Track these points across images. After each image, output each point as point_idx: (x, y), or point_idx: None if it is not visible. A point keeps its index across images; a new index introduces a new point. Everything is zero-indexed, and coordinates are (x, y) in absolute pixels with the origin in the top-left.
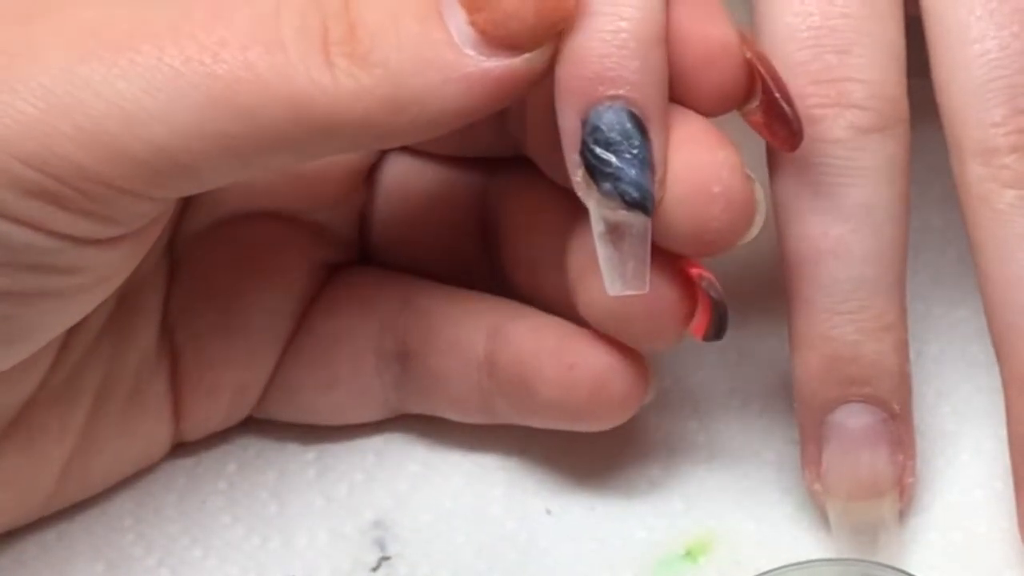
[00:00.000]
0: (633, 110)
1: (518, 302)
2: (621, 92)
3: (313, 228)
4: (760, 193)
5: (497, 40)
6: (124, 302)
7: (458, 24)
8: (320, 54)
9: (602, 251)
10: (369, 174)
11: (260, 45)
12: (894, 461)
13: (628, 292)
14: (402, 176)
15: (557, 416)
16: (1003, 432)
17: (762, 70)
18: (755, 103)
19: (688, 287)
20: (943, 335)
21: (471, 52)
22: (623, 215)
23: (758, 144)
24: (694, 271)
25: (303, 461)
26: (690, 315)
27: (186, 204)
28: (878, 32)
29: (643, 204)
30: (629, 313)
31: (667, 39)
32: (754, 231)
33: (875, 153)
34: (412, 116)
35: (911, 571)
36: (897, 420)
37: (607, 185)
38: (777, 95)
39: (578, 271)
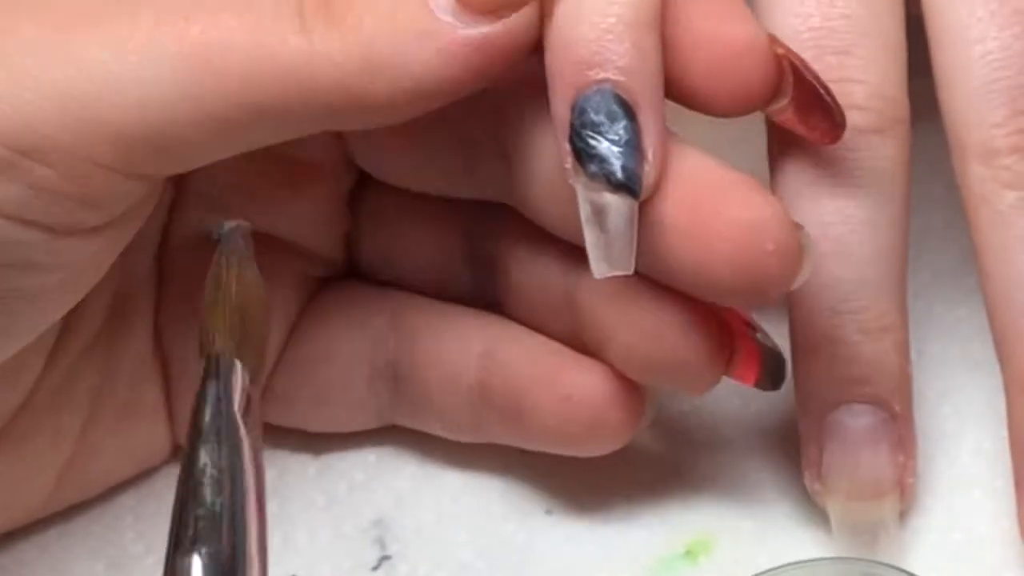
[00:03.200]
0: (620, 93)
1: (509, 320)
2: (608, 75)
3: (298, 248)
4: (807, 237)
5: (475, 6)
6: (116, 309)
7: None
8: (295, 17)
9: (588, 235)
10: (352, 200)
11: (235, 10)
12: (895, 461)
13: (614, 273)
14: (386, 202)
15: (552, 443)
16: (1004, 432)
17: (797, 64)
18: (784, 101)
19: (725, 335)
20: (944, 335)
21: (448, 18)
22: (609, 198)
23: (756, 143)
24: (737, 319)
25: (303, 460)
26: (726, 361)
27: (173, 209)
28: (878, 33)
29: (629, 186)
30: (666, 363)
31: (693, 39)
32: (804, 276)
33: (876, 154)
34: (388, 82)
35: (911, 571)
36: (898, 420)
37: (592, 167)
38: (819, 88)
39: (609, 322)
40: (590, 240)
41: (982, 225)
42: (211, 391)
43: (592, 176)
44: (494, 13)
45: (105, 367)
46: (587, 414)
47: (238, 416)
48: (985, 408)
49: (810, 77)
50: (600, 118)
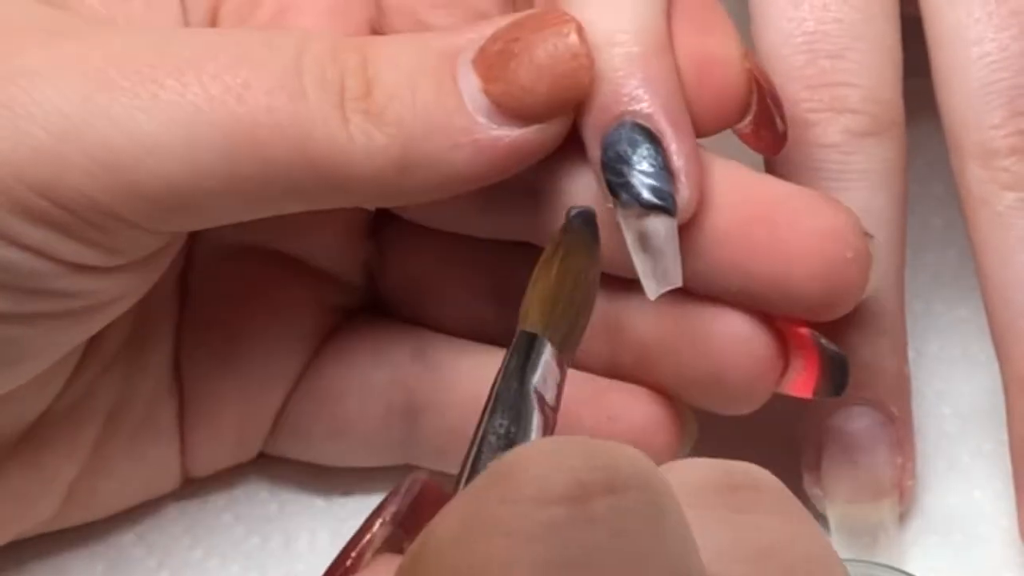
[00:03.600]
0: (639, 122)
1: None
2: (627, 108)
3: (319, 273)
4: (874, 243)
5: (510, 111)
6: (139, 328)
7: (472, 91)
8: (337, 108)
9: (637, 262)
10: (375, 229)
11: (283, 92)
12: (893, 464)
13: (664, 289)
14: (408, 233)
15: None
16: (1003, 433)
17: (759, 79)
18: (749, 118)
19: (780, 345)
20: (943, 335)
21: (483, 120)
22: (647, 222)
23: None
24: (792, 329)
25: (304, 462)
26: (781, 372)
27: (197, 234)
28: (872, 36)
29: (662, 205)
30: (719, 378)
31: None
32: (874, 283)
33: (870, 156)
34: (420, 177)
35: (911, 572)
36: (896, 422)
37: (624, 195)
38: (769, 101)
39: (659, 341)
40: (639, 266)
41: (981, 226)
42: (513, 364)
43: (626, 204)
44: (530, 120)
45: (125, 384)
46: (631, 437)
47: (532, 394)
48: (984, 409)
49: (767, 91)
50: (624, 148)
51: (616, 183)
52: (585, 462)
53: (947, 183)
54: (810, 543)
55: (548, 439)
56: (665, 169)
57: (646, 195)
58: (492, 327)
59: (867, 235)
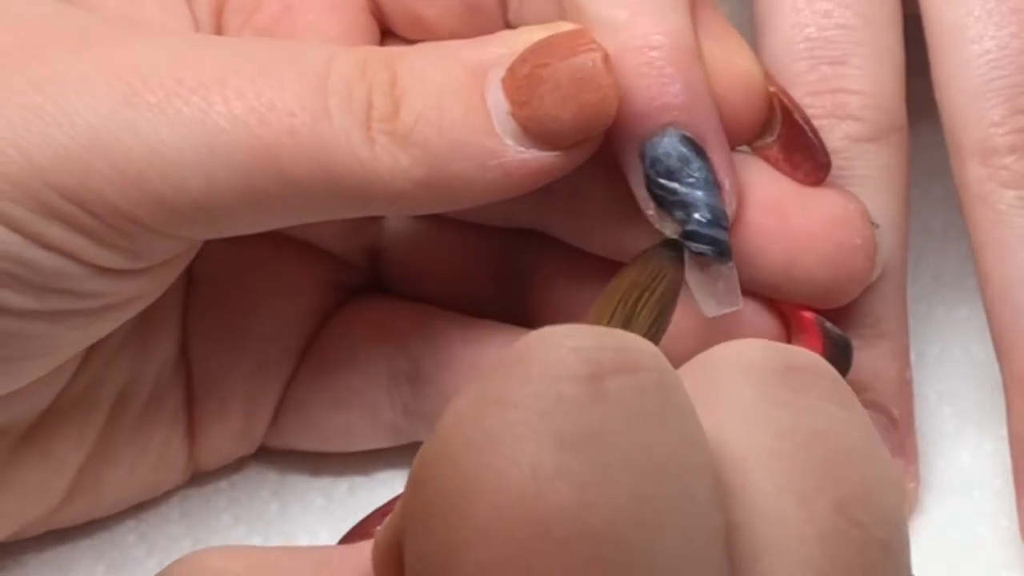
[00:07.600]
0: (685, 133)
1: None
2: (670, 118)
3: (323, 254)
4: (881, 233)
5: (537, 136)
6: (146, 314)
7: (500, 112)
8: (363, 128)
9: (693, 280)
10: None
11: (307, 113)
12: (895, 466)
13: (724, 311)
14: (411, 216)
15: None
16: (1004, 432)
17: (787, 104)
18: (770, 138)
19: (782, 325)
20: (944, 335)
21: (510, 142)
22: (705, 244)
23: None
24: (795, 312)
25: (304, 461)
26: None
27: None
28: (874, 42)
29: (719, 223)
30: None
31: None
32: (879, 271)
33: (871, 162)
34: (444, 195)
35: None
36: (898, 426)
37: (679, 213)
38: (804, 126)
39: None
40: (696, 285)
41: (981, 225)
42: None
43: (680, 222)
44: (556, 145)
45: (132, 369)
46: None
47: None
48: (985, 408)
49: (799, 118)
50: (674, 163)
51: (667, 200)
52: (597, 343)
53: (946, 185)
54: (859, 434)
55: (558, 326)
56: (714, 183)
57: (707, 214)
58: (492, 310)
59: (873, 224)
